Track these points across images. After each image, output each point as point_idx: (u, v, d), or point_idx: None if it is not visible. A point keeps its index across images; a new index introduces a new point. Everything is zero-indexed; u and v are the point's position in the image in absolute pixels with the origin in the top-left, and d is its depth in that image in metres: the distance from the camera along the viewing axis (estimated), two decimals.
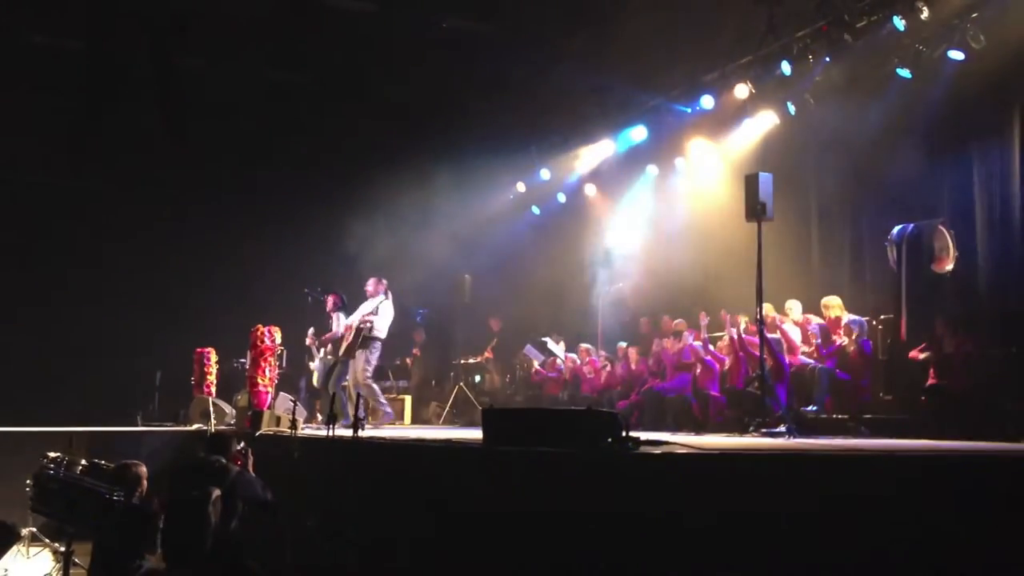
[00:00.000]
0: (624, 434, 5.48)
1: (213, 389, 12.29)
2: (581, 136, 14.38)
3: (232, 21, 13.09)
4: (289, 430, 9.50)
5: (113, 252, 14.89)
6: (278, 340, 10.96)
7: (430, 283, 16.05)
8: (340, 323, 12.05)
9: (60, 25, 13.41)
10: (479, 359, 15.18)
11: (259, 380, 10.66)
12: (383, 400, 11.73)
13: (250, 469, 7.56)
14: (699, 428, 9.85)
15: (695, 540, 4.66)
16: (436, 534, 6.24)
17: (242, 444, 7.75)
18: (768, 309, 10.15)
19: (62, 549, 7.67)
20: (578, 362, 13.21)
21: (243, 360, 12.61)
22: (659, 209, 13.67)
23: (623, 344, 12.55)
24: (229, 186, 15.80)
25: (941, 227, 9.33)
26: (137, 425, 12.06)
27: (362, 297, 11.87)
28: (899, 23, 9.48)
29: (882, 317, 9.93)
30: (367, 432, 8.81)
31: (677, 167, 13.34)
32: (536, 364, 13.86)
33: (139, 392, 13.27)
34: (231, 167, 15.52)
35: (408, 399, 14.48)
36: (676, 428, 10.15)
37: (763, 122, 11.66)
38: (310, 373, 13.38)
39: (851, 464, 5.05)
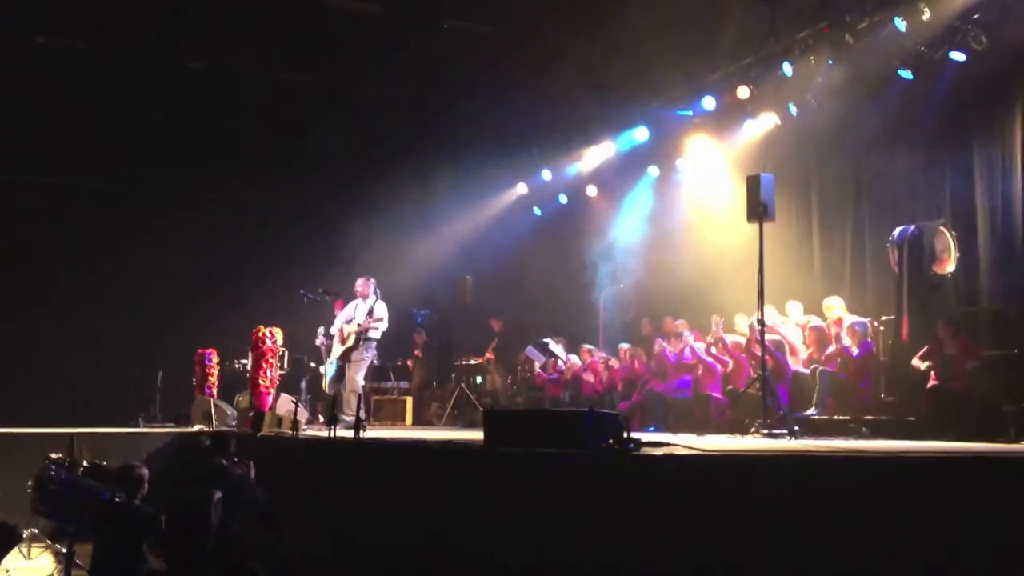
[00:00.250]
0: (625, 435, 5.47)
1: (215, 390, 12.30)
2: (582, 137, 14.38)
3: (235, 21, 13.10)
4: (291, 431, 9.52)
5: (115, 252, 14.89)
6: (279, 341, 10.97)
7: (431, 284, 16.06)
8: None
9: (63, 25, 13.43)
10: (480, 360, 15.18)
11: (260, 381, 10.67)
12: (354, 404, 11.25)
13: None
14: (700, 429, 9.84)
15: (696, 541, 4.66)
16: (436, 535, 6.24)
17: (249, 462, 7.70)
18: (772, 309, 10.17)
19: (63, 550, 7.68)
20: (579, 363, 13.20)
21: (244, 361, 12.64)
22: (660, 210, 13.66)
23: (624, 345, 12.54)
24: (231, 187, 15.82)
25: (942, 228, 9.32)
26: (138, 426, 12.06)
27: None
28: (900, 24, 9.46)
29: (883, 318, 9.93)
30: (369, 433, 8.81)
31: (678, 168, 13.33)
32: (537, 366, 13.86)
33: (140, 393, 13.27)
34: (233, 168, 15.53)
35: (409, 400, 14.49)
36: (677, 429, 10.14)
37: (764, 123, 11.66)
38: (311, 374, 13.40)
39: (852, 465, 5.05)
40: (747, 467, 5.11)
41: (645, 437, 6.10)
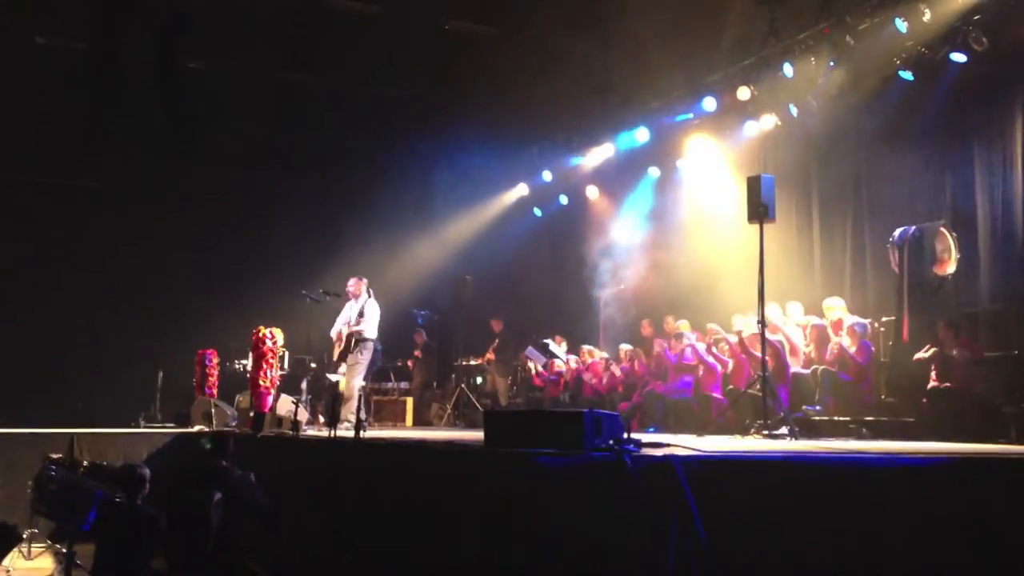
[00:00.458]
0: (625, 436, 5.47)
1: (215, 391, 12.29)
2: (583, 138, 14.38)
3: (235, 22, 13.11)
4: (291, 432, 9.52)
5: (115, 252, 14.88)
6: (280, 342, 10.95)
7: (431, 285, 16.07)
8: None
9: (63, 26, 13.44)
10: (480, 361, 15.18)
11: (261, 382, 10.66)
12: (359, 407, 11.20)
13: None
14: (701, 430, 9.83)
15: (696, 543, 4.65)
16: (436, 535, 6.24)
17: (250, 473, 7.68)
18: (772, 310, 10.17)
19: (63, 551, 7.68)
20: (579, 364, 13.20)
21: (245, 362, 12.63)
22: (661, 211, 13.67)
23: (625, 346, 12.55)
24: (231, 187, 15.81)
25: (943, 229, 9.32)
26: (139, 426, 12.05)
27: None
28: (901, 25, 9.47)
29: (884, 319, 9.93)
30: (369, 434, 8.81)
31: (679, 169, 13.34)
32: (538, 366, 13.86)
33: (140, 393, 13.26)
34: (233, 168, 15.53)
35: (410, 401, 14.50)
36: (678, 430, 10.14)
37: (765, 124, 11.66)
38: (311, 374, 13.40)
39: (853, 466, 5.04)
40: (747, 468, 5.10)
41: (645, 438, 6.09)
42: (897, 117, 10.19)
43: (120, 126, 14.21)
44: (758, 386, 8.90)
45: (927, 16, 9.26)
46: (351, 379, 11.14)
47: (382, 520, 6.90)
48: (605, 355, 13.02)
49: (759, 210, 8.72)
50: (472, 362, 15.14)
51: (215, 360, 12.51)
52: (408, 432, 11.65)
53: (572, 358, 13.45)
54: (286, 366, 12.50)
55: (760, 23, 11.10)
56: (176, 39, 12.98)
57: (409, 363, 15.28)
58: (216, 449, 7.63)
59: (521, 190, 15.87)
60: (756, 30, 11.17)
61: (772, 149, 11.73)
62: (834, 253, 11.35)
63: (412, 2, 13.66)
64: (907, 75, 9.77)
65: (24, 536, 8.49)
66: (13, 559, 8.37)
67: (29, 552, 8.87)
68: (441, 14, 13.98)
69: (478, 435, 6.78)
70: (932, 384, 8.59)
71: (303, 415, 10.47)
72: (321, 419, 12.13)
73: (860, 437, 8.52)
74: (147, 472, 7.28)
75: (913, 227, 9.36)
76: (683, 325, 11.70)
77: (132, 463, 7.57)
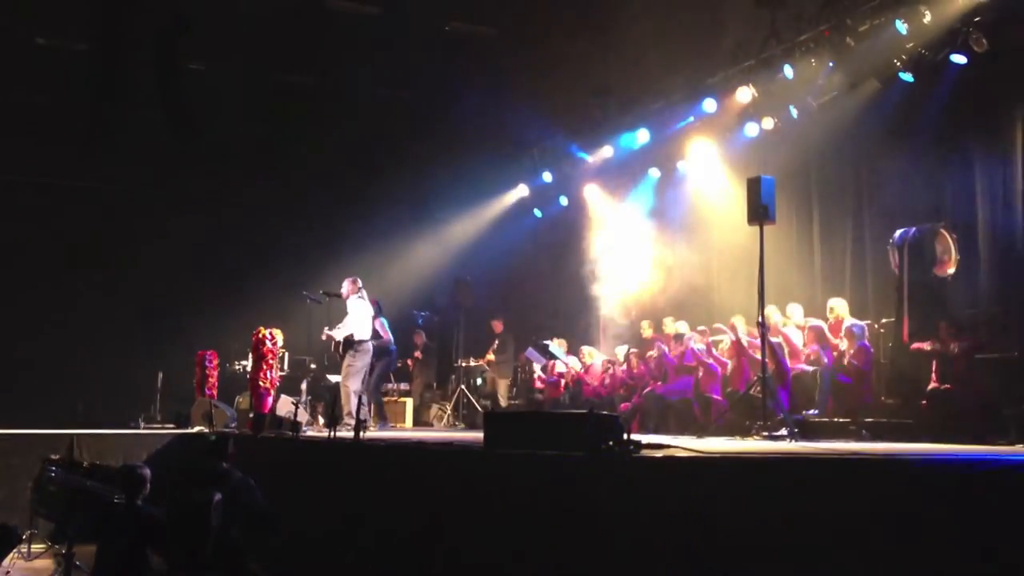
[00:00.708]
0: (625, 437, 5.47)
1: (215, 391, 12.30)
2: (583, 139, 14.38)
3: (236, 23, 13.12)
4: (291, 433, 9.52)
5: (115, 253, 14.90)
6: (280, 343, 10.96)
7: (431, 286, 16.09)
8: (382, 328, 12.06)
9: (64, 26, 13.45)
10: (480, 362, 15.18)
11: (261, 383, 10.68)
12: (352, 408, 10.64)
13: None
14: (701, 431, 9.83)
15: (696, 544, 4.65)
16: (437, 536, 6.24)
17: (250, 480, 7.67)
18: (773, 310, 10.17)
19: (63, 552, 7.67)
20: (579, 365, 13.20)
21: (245, 363, 12.64)
22: (661, 212, 13.66)
23: (625, 347, 12.54)
24: (231, 188, 15.82)
25: (943, 231, 9.31)
26: (139, 427, 12.06)
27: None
28: (901, 26, 9.46)
29: (883, 320, 9.93)
30: (368, 435, 8.81)
31: (679, 170, 13.33)
32: (537, 367, 13.86)
33: (140, 394, 13.27)
34: (234, 169, 15.54)
35: (409, 402, 14.51)
36: (678, 431, 10.14)
37: (765, 125, 11.66)
38: (311, 375, 13.40)
39: (853, 468, 5.04)
40: (747, 469, 5.10)
41: (645, 439, 6.09)
42: (897, 118, 10.18)
43: (120, 126, 14.21)
44: (758, 387, 8.91)
45: (927, 18, 9.26)
46: (345, 381, 11.11)
47: (382, 520, 6.90)
48: (605, 356, 13.02)
49: (759, 211, 8.72)
50: (472, 363, 15.15)
51: (215, 361, 12.53)
52: (408, 433, 11.65)
53: (572, 359, 13.45)
54: (286, 367, 12.51)
55: (760, 25, 11.10)
56: (176, 40, 12.99)
57: (409, 364, 15.29)
58: (216, 450, 7.63)
59: (521, 191, 15.87)
60: (756, 32, 11.17)
61: (772, 151, 11.72)
62: (834, 254, 11.35)
63: (412, 2, 13.68)
64: (907, 77, 9.76)
65: (24, 537, 8.50)
66: (13, 560, 8.37)
67: (29, 553, 8.87)
68: (441, 14, 13.99)
69: (478, 436, 6.79)
70: (932, 385, 8.59)
71: (303, 416, 10.47)
72: (321, 420, 12.14)
73: (860, 439, 8.52)
74: (147, 472, 7.27)
75: (913, 228, 9.35)
76: (682, 326, 11.70)
77: (132, 464, 7.57)
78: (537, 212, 15.90)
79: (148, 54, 13.00)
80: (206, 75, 14.33)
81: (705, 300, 12.68)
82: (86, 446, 10.06)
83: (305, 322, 12.83)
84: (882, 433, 8.63)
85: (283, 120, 15.48)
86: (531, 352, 13.85)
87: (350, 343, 11.15)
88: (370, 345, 11.37)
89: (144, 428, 12.04)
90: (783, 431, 8.42)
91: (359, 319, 11.27)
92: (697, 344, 10.95)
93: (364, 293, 11.50)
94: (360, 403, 9.36)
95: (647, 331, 12.75)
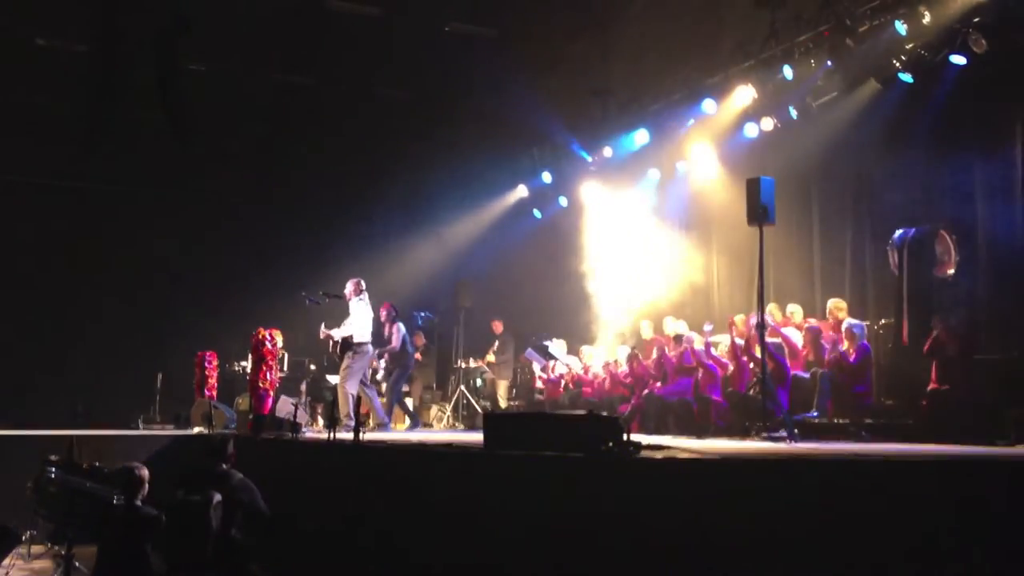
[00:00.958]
0: (625, 438, 5.47)
1: (214, 392, 12.30)
2: (583, 139, 14.38)
3: (236, 24, 13.12)
4: (290, 433, 9.53)
5: (115, 253, 14.90)
6: (279, 344, 10.95)
7: (431, 286, 16.08)
8: (397, 333, 12.08)
9: (64, 26, 13.44)
10: (480, 363, 15.18)
11: (260, 384, 10.67)
12: (350, 410, 10.43)
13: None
14: (701, 432, 9.83)
15: (696, 544, 4.66)
16: (437, 537, 6.24)
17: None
18: (773, 311, 10.17)
19: (63, 552, 7.68)
20: (579, 366, 13.20)
21: (244, 363, 12.64)
22: (661, 212, 13.66)
23: (625, 347, 12.54)
24: (231, 188, 15.82)
25: (943, 232, 9.31)
26: (138, 428, 12.06)
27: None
28: (901, 27, 9.46)
29: (883, 322, 9.92)
30: (368, 436, 8.81)
31: (679, 171, 13.33)
32: (537, 368, 13.86)
33: (140, 395, 13.27)
34: (233, 169, 15.54)
35: (409, 402, 14.50)
36: (677, 432, 10.14)
37: (765, 126, 11.66)
38: (311, 376, 13.40)
39: (852, 469, 5.04)
40: (747, 470, 5.10)
41: (645, 440, 6.09)
42: (897, 119, 10.17)
43: (120, 126, 14.21)
44: (758, 388, 8.91)
45: (927, 18, 9.26)
46: (343, 383, 11.11)
47: (382, 521, 6.90)
48: (605, 357, 13.02)
49: (759, 212, 8.72)
50: (472, 364, 15.15)
51: (215, 362, 12.53)
52: (407, 434, 11.65)
53: (572, 360, 13.45)
54: (285, 368, 12.51)
55: (760, 25, 11.10)
56: (176, 40, 12.98)
57: None
58: (215, 451, 7.64)
59: (521, 192, 15.86)
60: (756, 32, 11.16)
61: (772, 151, 11.71)
62: (834, 255, 11.34)
63: (412, 3, 13.67)
64: (907, 77, 9.76)
65: (23, 538, 8.50)
66: (12, 561, 8.37)
67: (28, 554, 8.88)
68: (441, 15, 13.99)
69: (478, 437, 6.79)
70: (931, 386, 8.58)
71: (302, 417, 10.46)
72: (320, 421, 12.14)
73: (859, 440, 8.51)
74: (146, 473, 7.28)
75: (913, 229, 9.35)
76: (682, 326, 11.70)
77: (132, 464, 7.57)
78: (537, 213, 15.89)
79: (148, 54, 12.98)
80: (206, 75, 14.32)
81: (705, 300, 12.68)
82: (86, 447, 10.05)
83: (304, 323, 12.83)
84: (882, 434, 8.62)
85: (283, 120, 15.48)
86: (531, 353, 13.86)
87: (349, 345, 11.14)
88: (370, 347, 11.39)
89: (144, 429, 12.05)
90: (783, 432, 8.42)
91: (360, 321, 11.28)
92: (697, 344, 10.95)
93: (367, 296, 11.52)
94: (359, 404, 9.35)
95: (647, 332, 12.76)
